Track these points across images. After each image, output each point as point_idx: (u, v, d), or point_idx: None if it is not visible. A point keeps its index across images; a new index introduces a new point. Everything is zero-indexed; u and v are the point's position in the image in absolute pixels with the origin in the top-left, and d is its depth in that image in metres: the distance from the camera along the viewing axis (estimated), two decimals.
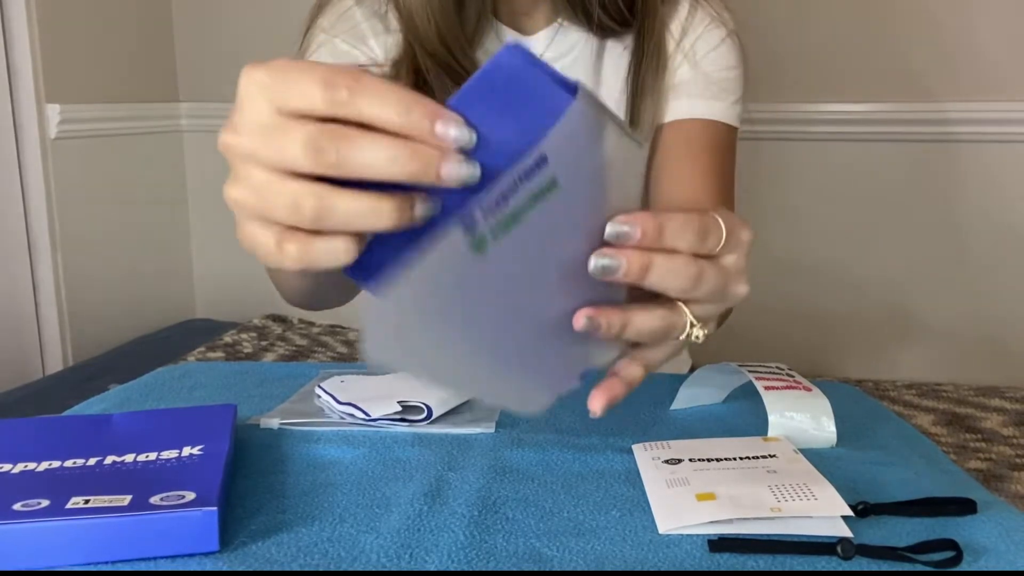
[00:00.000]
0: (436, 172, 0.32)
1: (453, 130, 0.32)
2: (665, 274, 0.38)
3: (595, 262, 0.37)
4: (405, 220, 0.33)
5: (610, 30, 0.79)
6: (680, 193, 0.78)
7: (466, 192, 0.32)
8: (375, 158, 0.32)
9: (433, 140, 0.32)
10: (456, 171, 0.32)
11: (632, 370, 0.43)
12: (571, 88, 0.34)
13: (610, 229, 0.37)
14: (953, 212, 1.74)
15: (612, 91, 0.82)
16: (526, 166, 0.32)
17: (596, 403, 0.41)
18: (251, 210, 0.35)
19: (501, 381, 0.39)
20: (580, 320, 0.38)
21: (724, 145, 0.81)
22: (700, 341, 0.42)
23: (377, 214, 0.33)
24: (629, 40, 0.81)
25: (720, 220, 0.40)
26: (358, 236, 0.34)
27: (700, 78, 0.80)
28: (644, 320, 0.39)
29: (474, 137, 0.33)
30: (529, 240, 0.34)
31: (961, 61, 1.67)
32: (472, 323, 0.35)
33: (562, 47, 0.81)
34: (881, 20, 1.70)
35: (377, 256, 0.34)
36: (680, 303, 0.41)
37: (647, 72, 0.79)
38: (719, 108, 0.80)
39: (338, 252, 0.34)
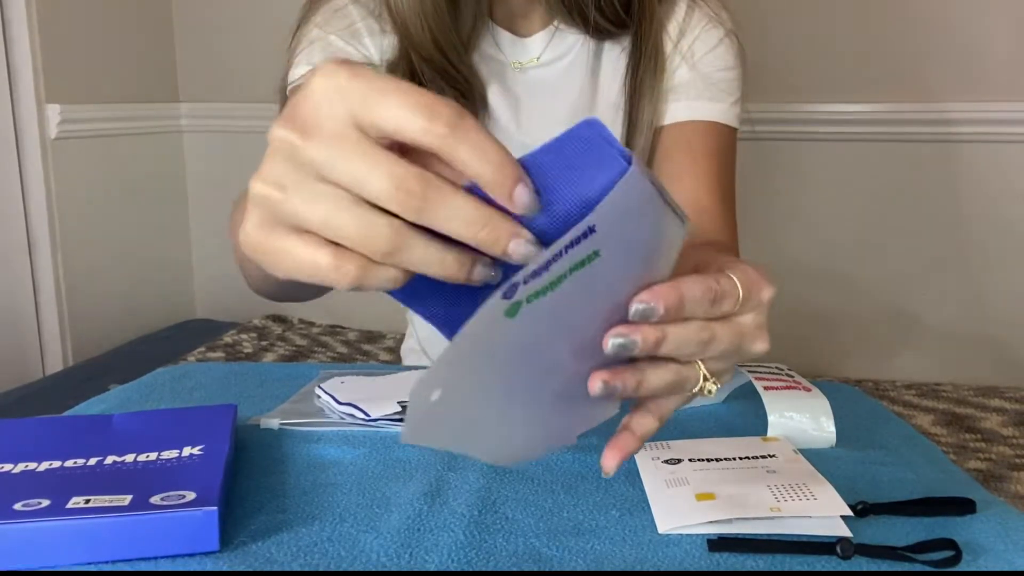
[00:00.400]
0: (504, 248, 0.33)
1: (527, 197, 0.32)
2: (678, 343, 0.38)
3: (612, 342, 0.36)
4: (462, 278, 0.34)
5: (607, 32, 0.79)
6: (681, 197, 0.78)
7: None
8: (456, 217, 0.32)
9: (508, 203, 0.33)
10: (522, 250, 0.32)
11: (645, 422, 0.42)
12: (627, 158, 0.33)
13: (635, 308, 0.36)
14: (954, 212, 1.74)
15: (610, 93, 0.82)
16: (574, 235, 0.32)
17: (610, 462, 0.40)
18: (302, 220, 0.33)
19: (508, 441, 0.39)
20: (596, 385, 0.37)
21: (724, 147, 0.81)
22: (712, 396, 0.42)
23: (441, 265, 0.33)
24: (626, 42, 0.80)
25: (737, 282, 0.40)
26: (408, 271, 0.34)
27: (699, 79, 0.79)
28: (657, 377, 0.39)
29: (539, 208, 0.33)
30: (561, 307, 0.34)
31: (963, 61, 1.67)
32: (499, 389, 0.35)
33: (559, 49, 0.81)
34: (882, 20, 1.70)
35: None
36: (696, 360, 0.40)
37: (645, 74, 0.79)
38: (718, 109, 0.80)
39: (391, 281, 0.34)
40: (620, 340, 0.36)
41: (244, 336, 1.82)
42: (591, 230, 0.32)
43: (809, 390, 0.62)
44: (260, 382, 0.74)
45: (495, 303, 0.31)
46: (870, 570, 0.43)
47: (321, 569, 0.43)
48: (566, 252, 0.32)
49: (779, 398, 0.60)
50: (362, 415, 0.62)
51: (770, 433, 0.59)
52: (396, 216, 0.33)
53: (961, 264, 1.75)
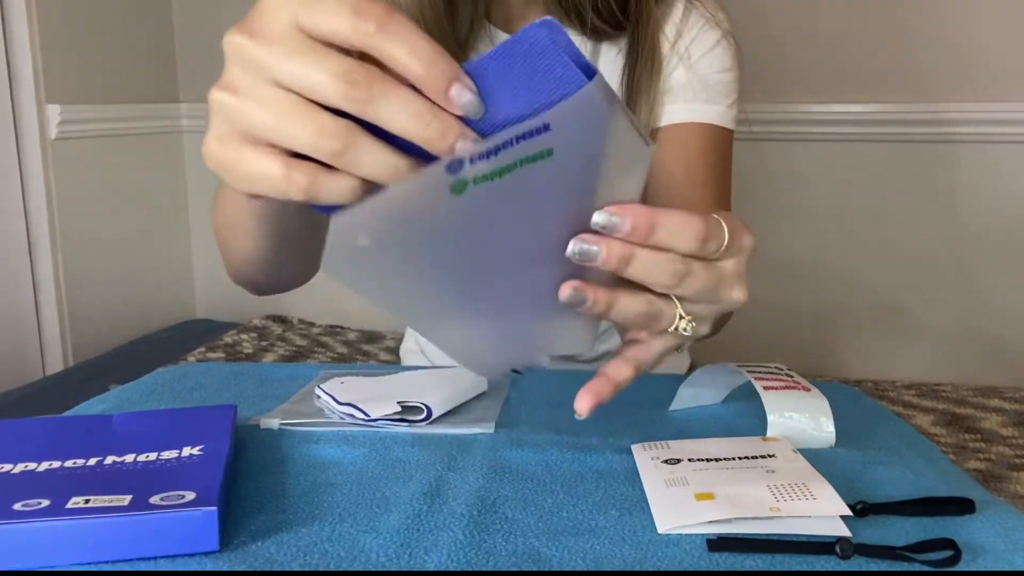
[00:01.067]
0: (451, 143, 0.32)
1: (466, 97, 0.32)
2: (648, 268, 0.38)
3: (573, 246, 0.36)
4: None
5: (604, 33, 0.79)
6: (676, 199, 0.78)
7: None
8: (401, 110, 0.32)
9: (445, 101, 0.32)
10: (469, 149, 0.32)
11: (621, 370, 0.42)
12: (589, 72, 0.34)
13: (598, 217, 0.37)
14: (953, 212, 1.74)
15: None
16: (526, 127, 0.32)
17: (582, 403, 0.41)
18: (255, 126, 0.34)
19: (460, 333, 0.38)
20: (566, 291, 0.37)
21: (720, 149, 0.81)
22: (689, 336, 0.41)
23: (393, 171, 0.33)
24: (623, 43, 0.80)
25: (723, 224, 0.40)
26: (365, 180, 0.34)
27: (695, 81, 0.79)
28: (631, 304, 0.39)
29: (482, 109, 0.33)
30: (510, 196, 0.34)
31: (962, 62, 1.67)
32: (438, 264, 0.35)
33: None
34: (882, 21, 1.70)
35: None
36: (672, 296, 0.40)
37: (641, 75, 0.79)
38: (715, 111, 0.80)
39: (345, 191, 0.34)
40: (583, 245, 0.36)
41: (244, 336, 1.82)
42: (545, 127, 0.32)
43: (808, 390, 0.62)
44: (260, 382, 0.74)
45: (439, 173, 0.31)
46: (869, 570, 0.43)
47: (321, 569, 0.43)
48: (517, 143, 0.32)
49: (779, 398, 0.60)
50: (362, 415, 0.62)
51: (769, 433, 0.59)
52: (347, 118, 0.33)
53: (960, 264, 1.75)
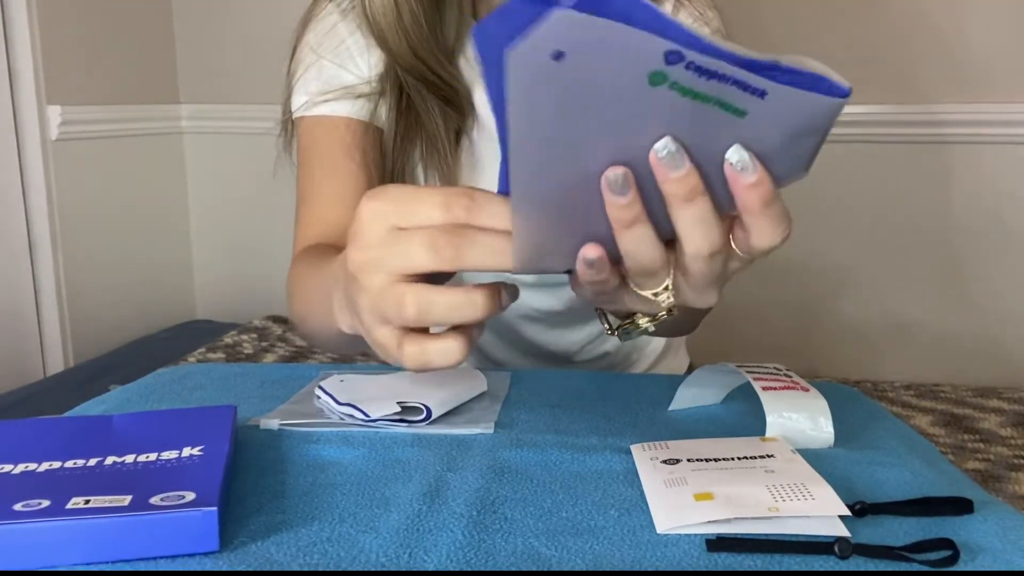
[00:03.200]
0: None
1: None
2: (723, 230, 0.40)
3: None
4: (495, 309, 0.39)
5: None
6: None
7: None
8: (485, 252, 0.38)
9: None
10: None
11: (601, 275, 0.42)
12: (843, 92, 0.36)
13: (734, 153, 0.37)
14: (951, 213, 1.74)
15: None
16: (749, 77, 0.33)
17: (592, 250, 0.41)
18: (371, 313, 0.41)
19: (553, 210, 0.38)
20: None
21: None
22: (656, 306, 0.43)
23: (472, 306, 0.39)
24: None
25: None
26: (469, 336, 0.40)
27: None
28: (650, 245, 0.40)
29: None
30: (685, 125, 0.34)
31: (957, 63, 1.67)
32: (600, 142, 0.35)
33: None
34: (876, 21, 1.70)
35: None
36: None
37: None
38: None
39: (452, 352, 0.40)
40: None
41: (244, 337, 1.82)
42: (762, 93, 0.33)
43: (807, 390, 0.62)
44: (260, 383, 0.74)
45: (653, 46, 0.31)
46: (868, 570, 0.43)
47: (320, 569, 0.44)
48: (728, 81, 0.32)
49: (777, 398, 0.60)
50: (362, 415, 0.62)
51: (768, 433, 0.59)
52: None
53: (959, 265, 1.75)
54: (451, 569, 0.43)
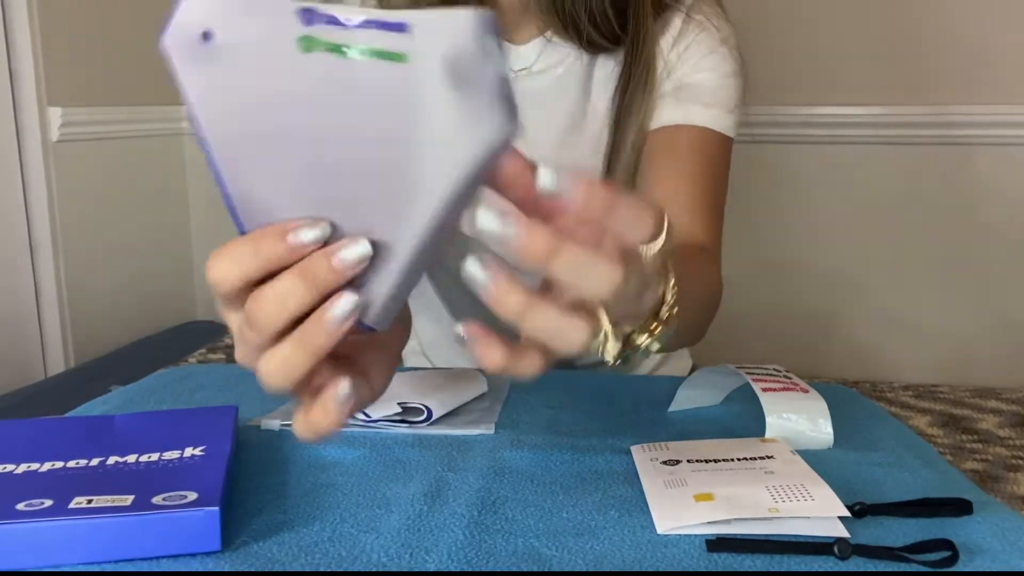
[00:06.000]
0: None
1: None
2: (578, 270, 0.32)
3: (481, 214, 0.31)
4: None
5: (600, 47, 0.78)
6: (662, 196, 0.76)
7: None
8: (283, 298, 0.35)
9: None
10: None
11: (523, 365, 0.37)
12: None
13: (544, 177, 0.31)
14: (950, 214, 1.74)
15: (602, 103, 0.81)
16: (383, 16, 0.31)
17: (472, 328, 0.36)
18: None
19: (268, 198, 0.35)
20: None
21: (712, 152, 0.79)
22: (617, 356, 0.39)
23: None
24: (620, 55, 0.80)
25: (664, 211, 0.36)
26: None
27: (689, 87, 0.79)
28: (544, 318, 0.33)
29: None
30: (353, 86, 0.31)
31: (961, 64, 1.68)
32: (283, 132, 0.33)
33: (552, 59, 0.80)
34: (880, 22, 1.70)
35: None
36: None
37: (635, 90, 0.78)
38: (707, 115, 0.78)
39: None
40: (492, 219, 0.31)
41: None
42: (401, 26, 0.31)
43: (807, 391, 0.62)
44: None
45: (287, 7, 0.31)
46: (867, 570, 0.43)
47: (322, 569, 0.44)
48: (369, 26, 0.31)
49: (777, 399, 0.60)
50: (362, 416, 0.63)
51: (768, 434, 0.60)
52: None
53: (958, 265, 1.76)
54: (452, 569, 0.44)
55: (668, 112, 0.79)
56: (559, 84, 0.81)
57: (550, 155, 0.78)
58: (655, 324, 0.43)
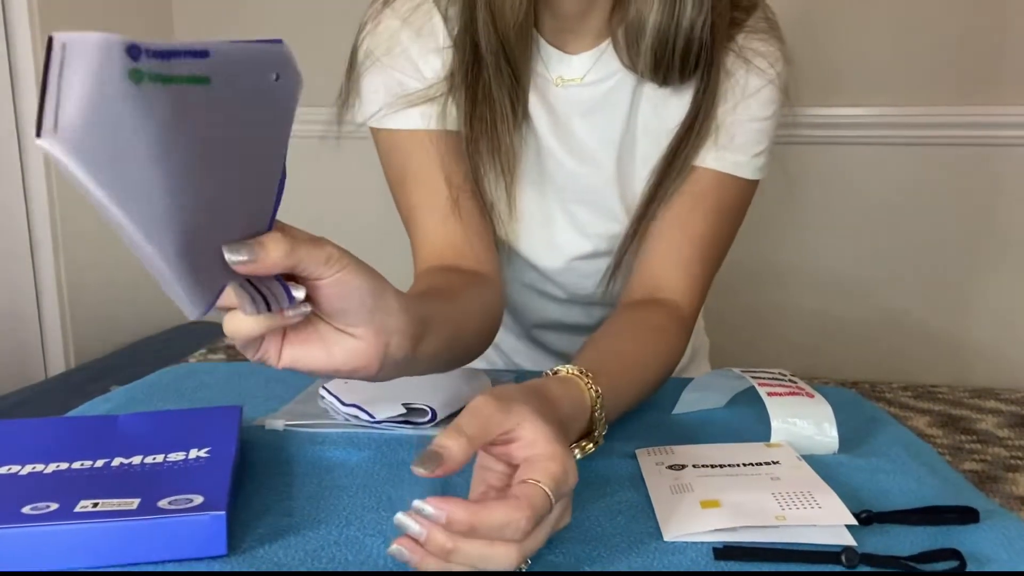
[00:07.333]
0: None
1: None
2: (474, 559, 0.41)
3: (401, 521, 0.40)
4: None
5: (667, 78, 0.75)
6: (663, 245, 0.77)
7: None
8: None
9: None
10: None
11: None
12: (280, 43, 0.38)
13: (416, 503, 0.40)
14: (950, 215, 1.74)
15: (651, 121, 0.78)
16: (189, 46, 0.34)
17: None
18: None
19: (155, 250, 0.37)
20: (392, 548, 0.41)
21: (731, 199, 0.78)
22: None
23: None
24: (687, 92, 0.76)
25: (549, 493, 0.42)
26: None
27: (726, 129, 0.76)
28: (470, 552, 0.41)
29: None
30: (179, 112, 0.35)
31: (963, 65, 1.68)
32: (130, 160, 0.35)
33: (603, 71, 0.77)
34: (885, 23, 1.70)
35: None
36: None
37: (701, 133, 0.76)
38: (735, 161, 0.77)
39: None
40: (407, 521, 0.40)
41: None
42: (204, 53, 0.35)
43: (812, 396, 0.62)
44: (264, 381, 0.74)
45: (115, 46, 0.33)
46: None
47: (329, 571, 0.44)
48: (180, 56, 0.34)
49: (782, 404, 0.60)
50: (367, 417, 0.63)
51: (773, 439, 0.59)
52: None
53: (957, 266, 1.76)
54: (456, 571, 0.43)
55: (702, 151, 0.77)
56: (609, 96, 0.78)
57: (610, 167, 0.78)
58: (588, 446, 0.56)
